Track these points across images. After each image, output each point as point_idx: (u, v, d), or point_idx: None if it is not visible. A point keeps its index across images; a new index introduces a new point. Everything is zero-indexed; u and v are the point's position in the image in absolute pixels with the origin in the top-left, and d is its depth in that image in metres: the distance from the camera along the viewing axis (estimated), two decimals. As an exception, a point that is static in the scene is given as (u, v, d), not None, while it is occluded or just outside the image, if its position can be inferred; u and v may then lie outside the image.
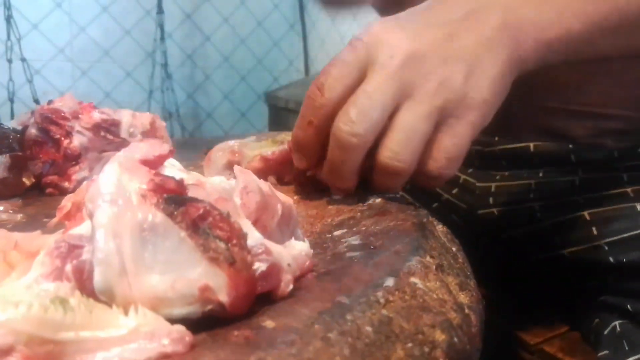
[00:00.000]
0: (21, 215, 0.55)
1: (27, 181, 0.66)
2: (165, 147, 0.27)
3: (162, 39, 1.80)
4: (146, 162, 0.26)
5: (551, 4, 0.48)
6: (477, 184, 0.80)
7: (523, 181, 0.76)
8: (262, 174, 0.55)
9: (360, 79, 0.44)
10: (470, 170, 0.81)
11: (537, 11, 0.48)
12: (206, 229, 0.24)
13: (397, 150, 0.43)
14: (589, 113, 0.71)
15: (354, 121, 0.42)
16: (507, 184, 0.77)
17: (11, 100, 1.42)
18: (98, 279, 0.22)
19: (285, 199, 0.37)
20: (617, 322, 0.62)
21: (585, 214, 0.69)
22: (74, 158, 0.65)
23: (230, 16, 2.06)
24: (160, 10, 1.79)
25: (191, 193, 0.26)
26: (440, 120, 0.44)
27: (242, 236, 0.25)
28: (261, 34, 2.14)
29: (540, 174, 0.75)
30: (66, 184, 0.64)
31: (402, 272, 0.29)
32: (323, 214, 0.47)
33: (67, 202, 0.43)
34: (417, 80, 0.43)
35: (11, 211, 0.57)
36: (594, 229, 0.68)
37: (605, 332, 0.62)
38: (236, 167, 0.35)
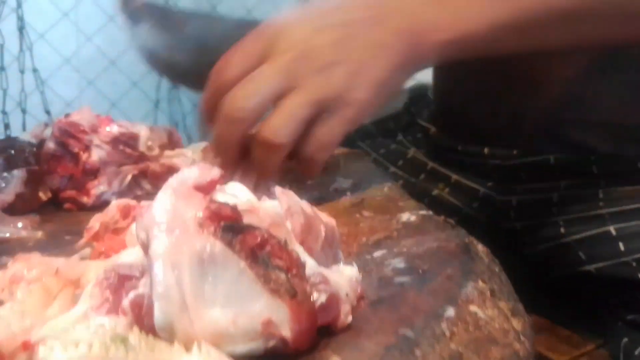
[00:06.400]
0: (41, 232, 0.54)
1: (43, 196, 0.65)
2: (216, 172, 0.26)
3: (169, 48, 1.79)
4: (199, 188, 0.25)
5: (450, 7, 0.52)
6: (498, 198, 0.78)
7: (545, 194, 0.74)
8: None
9: (258, 66, 0.49)
10: (490, 184, 0.80)
11: (436, 14, 0.52)
12: (265, 259, 0.23)
13: (276, 126, 0.47)
14: (607, 124, 0.69)
15: (239, 99, 0.48)
16: (528, 197, 0.76)
17: (23, 111, 1.41)
18: (158, 314, 0.21)
19: (327, 219, 0.35)
20: (648, 342, 0.60)
21: (611, 229, 0.68)
22: (93, 172, 0.63)
23: (237, 25, 2.05)
24: (167, 20, 1.77)
25: (245, 219, 0.25)
26: (318, 112, 0.48)
27: (301, 265, 0.24)
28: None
29: (562, 186, 0.73)
30: (85, 199, 0.62)
31: (460, 299, 0.28)
32: (356, 232, 0.46)
33: (94, 223, 0.42)
34: (304, 74, 0.48)
35: (30, 228, 0.56)
36: (620, 244, 0.66)
37: (636, 353, 0.61)
38: (277, 189, 0.33)
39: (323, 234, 0.33)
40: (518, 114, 0.75)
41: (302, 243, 0.31)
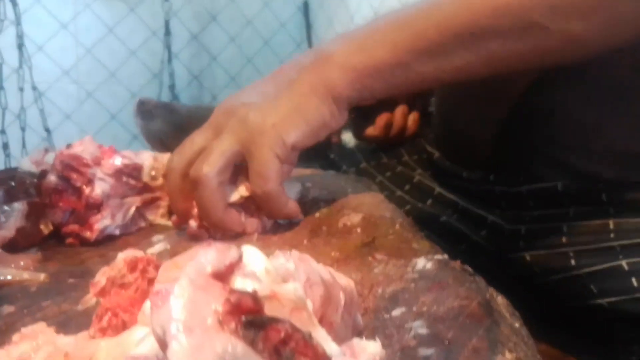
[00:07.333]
0: (44, 274, 0.52)
1: (45, 229, 0.63)
2: (234, 253, 0.25)
3: (170, 60, 1.78)
4: (217, 275, 0.24)
5: (357, 38, 0.57)
6: (506, 226, 0.77)
7: (554, 224, 0.73)
8: None
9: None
10: (497, 211, 0.78)
11: (343, 44, 0.57)
12: (289, 357, 0.22)
13: (201, 160, 0.55)
14: (611, 152, 0.68)
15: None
16: (537, 226, 0.75)
17: (22, 129, 1.39)
18: None
19: (345, 282, 0.34)
20: (665, 380, 0.59)
21: (623, 263, 0.66)
22: (96, 206, 0.62)
23: (236, 36, 2.03)
24: (167, 32, 1.76)
25: (267, 308, 0.24)
26: (244, 151, 0.54)
27: (327, 361, 0.23)
28: (268, 53, 2.11)
29: (571, 214, 0.72)
30: (88, 234, 0.61)
31: (490, 383, 0.27)
32: (370, 281, 0.45)
33: (101, 278, 0.40)
34: (224, 122, 0.56)
35: (32, 268, 0.54)
36: (633, 280, 0.65)
37: (651, 390, 0.60)
38: (294, 253, 0.32)
39: (342, 302, 0.32)
40: (520, 141, 0.75)
41: (321, 317, 0.30)
